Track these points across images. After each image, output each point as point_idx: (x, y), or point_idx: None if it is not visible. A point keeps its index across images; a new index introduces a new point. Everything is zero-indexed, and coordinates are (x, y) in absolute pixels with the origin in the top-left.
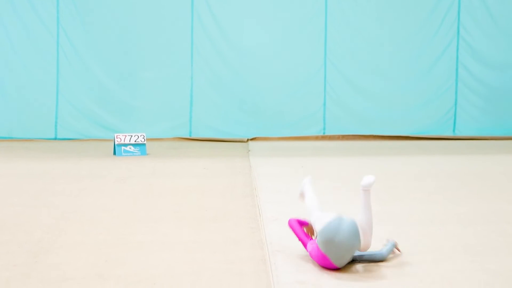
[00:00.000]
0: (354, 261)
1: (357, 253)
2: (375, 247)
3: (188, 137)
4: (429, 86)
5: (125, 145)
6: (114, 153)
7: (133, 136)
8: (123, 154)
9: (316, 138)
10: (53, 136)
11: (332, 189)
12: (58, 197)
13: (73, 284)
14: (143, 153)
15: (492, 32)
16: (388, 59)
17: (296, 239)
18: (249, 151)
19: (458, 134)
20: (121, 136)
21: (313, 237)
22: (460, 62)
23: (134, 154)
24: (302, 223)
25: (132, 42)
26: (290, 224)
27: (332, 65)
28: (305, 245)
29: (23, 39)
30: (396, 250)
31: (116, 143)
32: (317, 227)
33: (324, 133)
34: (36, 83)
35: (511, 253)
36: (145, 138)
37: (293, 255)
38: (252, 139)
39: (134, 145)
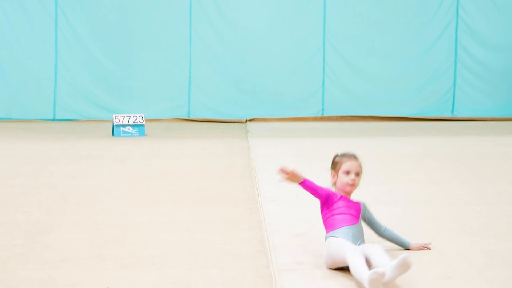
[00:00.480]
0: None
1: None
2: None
3: (186, 118)
4: (427, 67)
5: (124, 126)
6: (113, 134)
7: (131, 117)
8: (121, 135)
9: (315, 119)
10: (51, 117)
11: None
12: (56, 177)
13: (71, 264)
14: (142, 134)
15: (492, 13)
16: (387, 40)
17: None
18: (247, 132)
19: (457, 115)
20: (119, 117)
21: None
22: (459, 43)
23: (132, 135)
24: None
25: (130, 23)
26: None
27: (331, 46)
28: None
29: (22, 20)
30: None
31: (114, 124)
32: None
33: (322, 114)
34: (34, 64)
35: (510, 234)
36: (143, 119)
37: (291, 236)
38: (250, 120)
39: (133, 126)
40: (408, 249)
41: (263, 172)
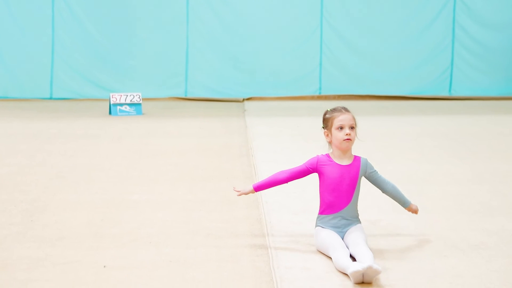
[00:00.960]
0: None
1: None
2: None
3: (183, 97)
4: (425, 46)
5: (121, 104)
6: (110, 113)
7: (128, 95)
8: (118, 113)
9: (312, 98)
10: (48, 96)
11: (327, 149)
12: (53, 156)
13: (68, 243)
14: (139, 112)
15: None
16: (385, 19)
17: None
18: (245, 110)
19: (454, 94)
20: (116, 95)
21: None
22: (456, 21)
23: (129, 113)
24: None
25: (128, 2)
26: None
27: (328, 25)
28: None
29: None
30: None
31: (111, 102)
32: None
33: (320, 93)
34: (31, 43)
35: (506, 212)
36: (140, 97)
37: (288, 214)
38: (248, 99)
39: (130, 104)
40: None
41: (260, 151)
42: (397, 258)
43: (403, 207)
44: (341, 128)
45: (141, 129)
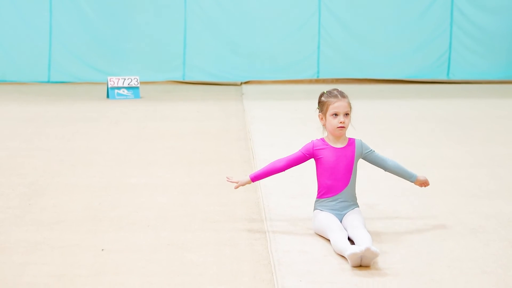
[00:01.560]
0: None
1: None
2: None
3: (181, 80)
4: (423, 29)
5: (119, 88)
6: (108, 96)
7: (126, 79)
8: (116, 97)
9: (310, 81)
10: (46, 79)
11: (321, 132)
12: (51, 140)
13: (66, 226)
14: (137, 96)
15: None
16: (383, 2)
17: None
18: (242, 94)
19: (452, 77)
20: (114, 79)
21: None
22: (455, 5)
23: (127, 97)
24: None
25: None
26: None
27: (326, 9)
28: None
29: None
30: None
31: (109, 86)
32: None
33: (318, 76)
34: (29, 27)
35: (504, 196)
36: (138, 81)
37: (286, 198)
38: (245, 83)
39: (128, 88)
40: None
41: (258, 134)
42: (394, 241)
43: (411, 181)
44: (336, 115)
45: (139, 112)
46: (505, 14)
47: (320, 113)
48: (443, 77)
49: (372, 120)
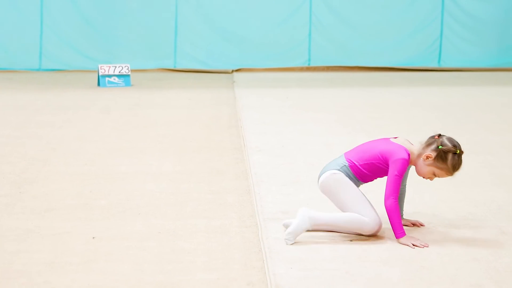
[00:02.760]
0: None
1: None
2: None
3: (172, 68)
4: (414, 17)
5: (109, 76)
6: (98, 84)
7: (117, 67)
8: (107, 85)
9: (301, 69)
10: (37, 67)
11: (316, 120)
12: (42, 128)
13: (57, 214)
14: (128, 84)
15: None
16: None
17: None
18: (234, 82)
19: (443, 65)
20: (105, 67)
21: None
22: None
23: (118, 85)
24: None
25: None
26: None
27: None
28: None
29: None
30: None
31: (100, 74)
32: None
33: (309, 64)
34: (20, 14)
35: (494, 183)
36: (129, 69)
37: (277, 186)
38: (237, 70)
39: (119, 76)
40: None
41: (249, 122)
42: (384, 228)
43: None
44: (435, 175)
45: (130, 100)
46: (496, 2)
47: (432, 155)
48: (435, 65)
49: (363, 107)
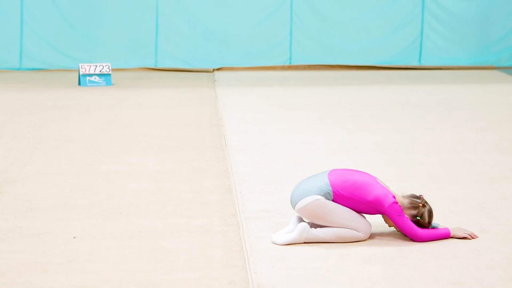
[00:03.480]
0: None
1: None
2: None
3: (153, 67)
4: (395, 15)
5: (90, 75)
6: (79, 84)
7: (98, 66)
8: (88, 84)
9: (282, 68)
10: (17, 67)
11: (298, 118)
12: (23, 128)
13: (38, 214)
14: (108, 83)
15: None
16: None
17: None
18: (215, 81)
19: (424, 63)
20: (86, 66)
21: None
22: None
23: (99, 84)
24: None
25: None
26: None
27: None
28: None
29: None
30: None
31: (81, 73)
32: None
33: (290, 63)
34: (0, 13)
35: (474, 181)
36: (110, 68)
37: (258, 184)
38: (218, 69)
39: (99, 75)
40: None
41: (230, 121)
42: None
43: None
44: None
45: (111, 99)
46: (475, 0)
47: (416, 221)
48: (415, 63)
49: (344, 106)
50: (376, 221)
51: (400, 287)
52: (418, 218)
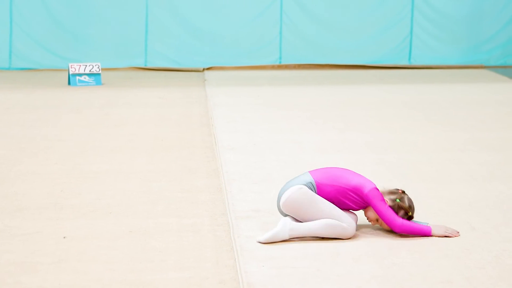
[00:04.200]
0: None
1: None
2: None
3: (143, 66)
4: (385, 14)
5: (80, 75)
6: (69, 83)
7: (87, 65)
8: (77, 84)
9: (272, 67)
10: (7, 66)
11: (288, 118)
12: (12, 127)
13: (28, 214)
14: (98, 83)
15: None
16: None
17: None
18: (205, 80)
19: (414, 63)
20: (75, 65)
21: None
22: None
23: (89, 84)
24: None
25: None
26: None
27: None
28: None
29: None
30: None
31: (70, 73)
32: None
33: (280, 62)
34: None
35: (464, 180)
36: (100, 67)
37: (248, 184)
38: (208, 69)
39: (89, 74)
40: None
41: (220, 120)
42: (358, 226)
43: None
44: (377, 222)
45: (101, 99)
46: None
47: (388, 204)
48: (405, 63)
49: (334, 105)
50: (366, 219)
51: (391, 286)
52: (398, 200)
